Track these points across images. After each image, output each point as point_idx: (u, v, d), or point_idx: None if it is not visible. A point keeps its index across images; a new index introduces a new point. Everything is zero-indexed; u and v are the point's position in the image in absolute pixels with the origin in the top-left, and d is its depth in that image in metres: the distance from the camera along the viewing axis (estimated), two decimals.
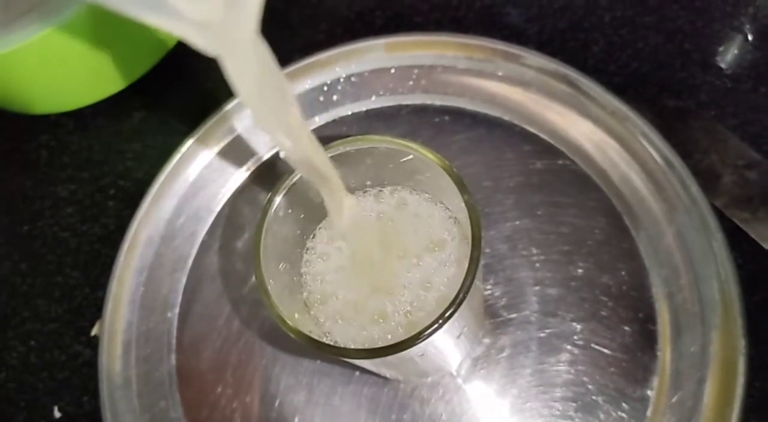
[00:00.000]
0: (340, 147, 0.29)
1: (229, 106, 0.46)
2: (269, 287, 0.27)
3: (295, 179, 0.29)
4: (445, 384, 0.40)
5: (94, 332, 0.44)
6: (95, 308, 0.45)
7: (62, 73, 0.46)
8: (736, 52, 0.45)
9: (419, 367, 0.35)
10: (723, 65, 0.45)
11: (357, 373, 0.41)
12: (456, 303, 0.25)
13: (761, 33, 0.45)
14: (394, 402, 0.40)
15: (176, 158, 0.45)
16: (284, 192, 0.28)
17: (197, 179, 0.45)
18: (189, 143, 0.45)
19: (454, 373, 0.40)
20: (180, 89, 0.50)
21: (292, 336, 0.27)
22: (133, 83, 0.49)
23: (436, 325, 0.24)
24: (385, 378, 0.41)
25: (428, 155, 0.28)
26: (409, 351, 0.25)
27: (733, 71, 0.45)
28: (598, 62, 0.46)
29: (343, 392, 0.41)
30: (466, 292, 0.25)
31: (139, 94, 0.50)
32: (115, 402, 0.41)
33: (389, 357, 0.26)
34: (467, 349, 0.39)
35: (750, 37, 0.45)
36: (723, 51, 0.46)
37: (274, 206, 0.28)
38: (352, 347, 0.25)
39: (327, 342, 0.26)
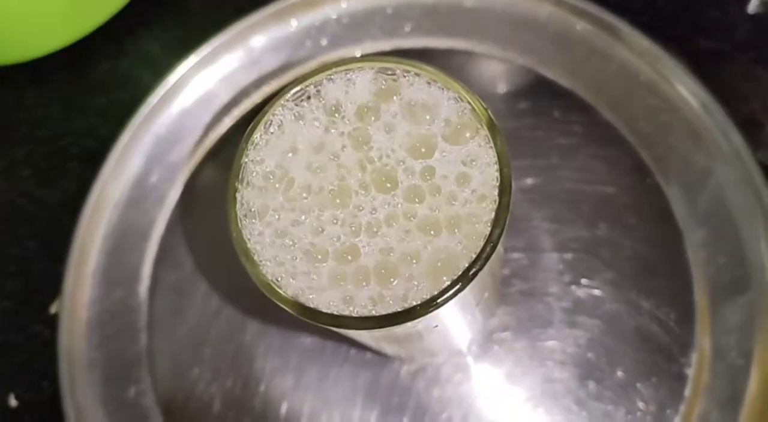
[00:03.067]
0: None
1: (203, 54, 0.40)
2: (249, 245, 0.22)
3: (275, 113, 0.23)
4: (453, 364, 0.36)
5: (53, 309, 0.39)
6: (55, 283, 0.39)
7: (13, 16, 0.40)
8: None
9: (426, 344, 0.30)
10: (759, 1, 0.40)
11: (352, 351, 0.36)
12: (483, 257, 0.20)
13: None
14: (396, 385, 0.35)
15: (144, 111, 0.40)
16: (263, 130, 0.23)
17: (168, 134, 0.40)
18: (159, 94, 0.40)
19: (465, 351, 0.35)
20: (148, 36, 0.45)
21: (282, 305, 0.22)
22: (95, 30, 0.43)
23: (458, 285, 0.19)
24: (384, 357, 0.36)
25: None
26: (422, 319, 0.20)
27: None
28: (620, 0, 0.41)
29: (338, 374, 0.36)
30: (495, 243, 0.20)
31: (102, 43, 0.44)
32: (76, 388, 0.36)
33: (396, 329, 0.21)
34: (482, 322, 0.34)
35: None
36: None
37: (254, 145, 0.23)
38: (352, 314, 0.20)
39: (324, 310, 0.21)
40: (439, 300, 0.20)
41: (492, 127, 0.22)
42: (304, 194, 0.23)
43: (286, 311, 0.22)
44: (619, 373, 0.35)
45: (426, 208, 0.22)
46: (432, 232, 0.21)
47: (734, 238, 0.35)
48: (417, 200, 0.22)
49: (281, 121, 0.24)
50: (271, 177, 0.23)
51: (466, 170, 0.22)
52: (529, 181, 0.38)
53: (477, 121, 0.22)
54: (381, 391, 0.35)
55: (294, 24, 0.41)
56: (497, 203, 0.21)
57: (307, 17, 0.41)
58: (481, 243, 0.20)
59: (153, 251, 0.39)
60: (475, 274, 0.20)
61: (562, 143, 0.39)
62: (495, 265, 0.25)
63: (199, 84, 0.41)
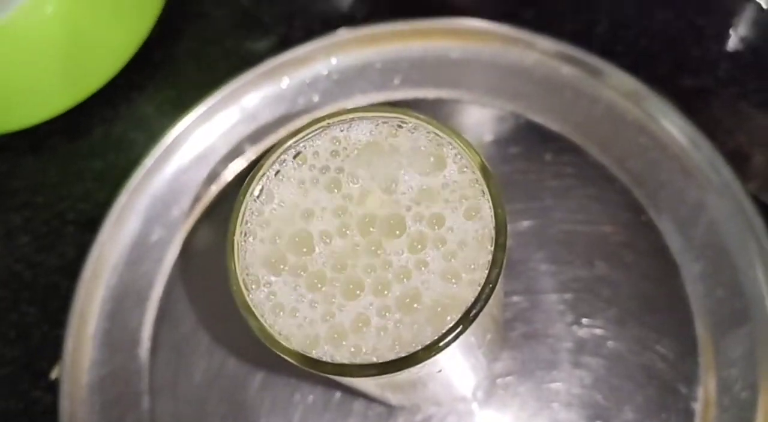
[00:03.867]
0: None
1: (197, 114, 0.41)
2: (249, 298, 0.22)
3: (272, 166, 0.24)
4: (459, 411, 0.35)
5: (54, 375, 0.39)
6: (55, 348, 0.39)
7: (11, 86, 0.41)
8: (751, 23, 0.41)
9: (431, 390, 0.30)
10: (739, 39, 0.41)
11: (356, 404, 0.36)
12: (483, 298, 0.20)
13: None
14: None
15: (140, 173, 0.40)
16: (261, 183, 0.23)
17: (164, 195, 0.40)
18: (154, 155, 0.40)
19: (470, 397, 0.35)
20: (142, 99, 0.45)
21: (285, 356, 0.21)
22: (90, 96, 0.44)
23: (460, 328, 0.19)
24: (389, 408, 0.35)
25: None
26: (425, 364, 0.20)
27: (751, 44, 0.41)
28: (604, 44, 0.42)
29: None
30: (494, 283, 0.20)
31: (97, 108, 0.45)
32: None
33: (399, 376, 0.21)
34: (486, 366, 0.33)
35: (765, 6, 0.41)
36: (737, 23, 0.42)
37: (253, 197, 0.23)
38: (354, 362, 0.20)
39: (326, 360, 0.21)
40: (441, 344, 0.20)
41: (485, 171, 0.22)
42: (305, 249, 0.23)
43: (289, 363, 0.22)
44: (627, 412, 0.34)
45: (424, 253, 0.22)
46: (431, 276, 0.22)
47: (731, 270, 0.35)
48: (418, 246, 0.22)
49: (278, 174, 0.24)
50: (270, 230, 0.23)
51: (462, 215, 0.22)
52: (525, 224, 0.38)
53: (470, 166, 0.23)
54: None
55: (286, 81, 0.42)
56: (494, 244, 0.21)
57: (298, 74, 0.42)
58: (480, 285, 0.21)
59: (153, 312, 0.39)
60: (475, 316, 0.20)
61: (555, 185, 0.39)
62: (496, 308, 0.25)
63: (194, 144, 0.41)
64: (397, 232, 0.23)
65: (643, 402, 0.34)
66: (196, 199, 0.40)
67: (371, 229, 0.22)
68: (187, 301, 0.39)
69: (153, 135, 0.41)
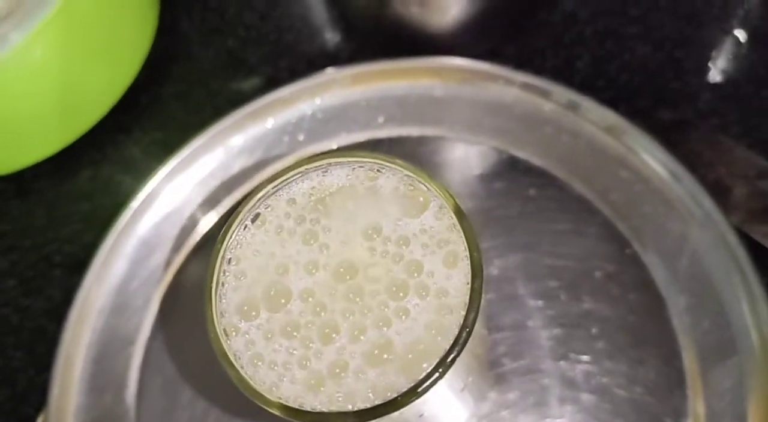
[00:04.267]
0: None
1: (182, 156, 0.41)
2: (226, 346, 0.22)
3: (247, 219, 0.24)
4: None
5: (40, 420, 0.38)
6: (41, 393, 0.39)
7: None
8: (730, 56, 0.42)
9: None
10: (718, 71, 0.42)
11: None
12: (461, 343, 0.20)
13: (755, 34, 0.42)
14: None
15: (126, 215, 0.40)
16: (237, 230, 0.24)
17: (151, 237, 0.40)
18: (140, 198, 0.40)
19: None
20: (129, 141, 0.46)
21: (264, 406, 0.21)
22: (77, 139, 0.44)
23: (438, 373, 0.19)
24: None
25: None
26: (404, 410, 0.20)
27: (731, 76, 0.42)
28: (584, 79, 0.43)
29: None
30: (471, 327, 0.20)
31: (84, 151, 0.45)
32: None
33: None
34: (473, 406, 0.33)
35: (743, 40, 0.42)
36: (716, 56, 0.42)
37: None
38: (332, 410, 0.20)
39: (307, 409, 0.21)
40: (419, 389, 0.20)
41: (459, 214, 0.22)
42: (283, 300, 0.23)
43: (270, 412, 0.22)
44: None
45: (402, 300, 0.22)
46: (409, 322, 0.22)
47: (716, 301, 0.35)
48: (399, 292, 0.22)
49: (255, 220, 0.24)
50: (246, 279, 0.23)
51: (438, 258, 0.23)
52: (510, 259, 0.38)
53: (447, 210, 0.23)
54: None
55: (271, 122, 0.42)
56: (470, 287, 0.21)
57: (283, 115, 0.42)
58: (457, 330, 0.21)
59: (139, 356, 0.38)
60: (453, 360, 0.20)
61: (539, 219, 0.39)
62: (477, 348, 0.25)
63: (180, 185, 0.41)
64: (376, 279, 0.23)
65: None
66: (182, 241, 0.40)
67: (347, 277, 0.22)
68: (172, 345, 0.39)
69: (140, 177, 0.41)
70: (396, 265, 0.23)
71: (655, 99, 0.42)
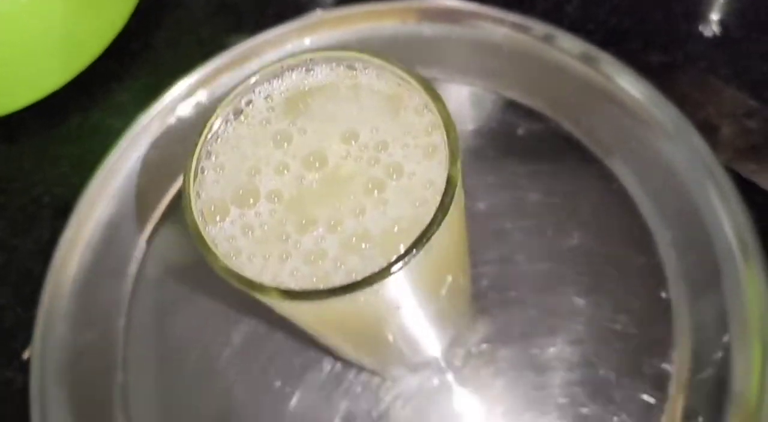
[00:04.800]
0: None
1: (171, 96, 0.41)
2: (204, 232, 0.22)
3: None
4: (434, 380, 0.35)
5: (26, 354, 0.38)
6: (28, 330, 0.39)
7: None
8: (720, 0, 0.42)
9: (398, 347, 0.30)
10: (709, 14, 0.42)
11: (328, 369, 0.35)
12: (436, 222, 0.19)
13: None
14: (375, 406, 0.35)
15: (115, 154, 0.40)
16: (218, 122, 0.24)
17: (139, 175, 0.40)
18: (128, 136, 0.41)
19: (443, 364, 0.35)
20: (119, 87, 0.46)
21: (237, 284, 0.21)
22: (67, 84, 0.44)
23: (413, 251, 0.19)
24: (364, 379, 0.35)
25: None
26: (381, 294, 0.20)
27: (721, 19, 0.42)
28: (574, 22, 0.43)
29: (317, 397, 0.35)
30: (447, 208, 0.20)
31: (74, 96, 0.45)
32: None
33: (363, 311, 0.21)
34: (454, 325, 0.33)
35: None
36: (706, 0, 0.42)
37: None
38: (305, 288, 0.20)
39: (289, 288, 0.20)
40: (393, 269, 0.20)
41: (432, 94, 0.22)
42: (252, 200, 0.23)
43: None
44: (602, 374, 0.34)
45: (379, 178, 0.22)
46: (385, 202, 0.22)
47: (702, 234, 0.35)
48: (372, 189, 0.22)
49: (237, 115, 0.24)
50: (224, 173, 0.23)
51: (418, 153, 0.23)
52: (498, 196, 0.38)
53: (428, 105, 0.23)
54: (361, 415, 0.35)
55: (257, 64, 0.42)
56: (447, 174, 0.21)
57: (271, 55, 0.42)
58: (434, 209, 0.20)
59: (128, 288, 0.39)
60: (428, 239, 0.20)
61: (527, 157, 0.39)
62: (460, 278, 0.25)
63: (169, 124, 0.41)
64: (355, 174, 0.23)
65: (618, 364, 0.34)
66: (171, 176, 0.40)
67: (318, 166, 0.23)
68: (162, 276, 0.39)
69: (129, 122, 0.41)
70: (373, 166, 0.23)
71: (645, 42, 0.42)
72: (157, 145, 0.41)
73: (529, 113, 0.40)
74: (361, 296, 0.20)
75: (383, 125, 0.23)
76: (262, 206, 0.22)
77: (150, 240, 0.39)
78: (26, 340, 0.39)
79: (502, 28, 0.40)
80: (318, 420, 0.35)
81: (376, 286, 0.20)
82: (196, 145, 0.23)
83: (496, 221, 0.38)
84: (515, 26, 0.40)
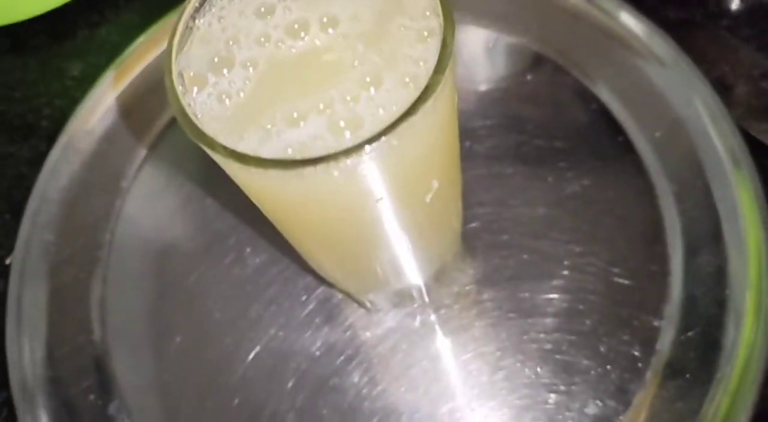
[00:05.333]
0: None
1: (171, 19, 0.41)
2: (182, 99, 0.21)
3: None
4: (415, 319, 0.34)
5: (9, 260, 0.38)
6: (15, 237, 0.38)
7: None
8: None
9: (380, 258, 0.29)
10: None
11: (312, 293, 0.35)
12: (423, 99, 0.19)
13: None
14: (355, 340, 0.34)
15: (115, 69, 0.40)
16: None
17: (140, 89, 0.40)
18: (130, 52, 0.40)
19: (426, 299, 0.34)
20: (129, 6, 0.45)
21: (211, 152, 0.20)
22: (74, 1, 0.44)
23: (407, 116, 0.18)
24: (345, 314, 0.34)
25: None
26: (357, 176, 0.19)
27: None
28: None
29: (297, 322, 0.34)
30: (440, 75, 0.19)
31: (83, 11, 0.45)
32: (21, 335, 0.34)
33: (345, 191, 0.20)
34: (441, 255, 0.32)
35: None
36: None
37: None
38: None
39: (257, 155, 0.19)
40: (369, 144, 0.19)
41: None
42: (245, 65, 0.22)
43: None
44: (588, 324, 0.33)
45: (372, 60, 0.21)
46: (377, 84, 0.21)
47: (706, 189, 0.34)
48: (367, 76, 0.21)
49: None
50: (208, 46, 0.23)
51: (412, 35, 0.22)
52: (500, 139, 0.38)
53: None
54: (338, 346, 0.34)
55: None
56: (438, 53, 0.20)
57: None
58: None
59: (117, 205, 0.38)
60: (412, 114, 0.19)
61: (533, 103, 0.38)
62: (445, 143, 0.24)
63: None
64: (347, 58, 0.22)
65: (607, 317, 0.33)
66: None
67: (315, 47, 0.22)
68: (153, 194, 0.38)
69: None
70: (364, 44, 0.22)
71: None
72: (159, 61, 0.40)
73: (539, 58, 0.39)
74: (336, 171, 0.19)
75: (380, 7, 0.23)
76: (237, 75, 0.22)
77: (145, 158, 0.39)
78: (11, 247, 0.38)
79: None
80: (295, 345, 0.34)
81: (350, 161, 0.19)
82: (179, 17, 0.23)
83: (495, 163, 0.37)
84: None
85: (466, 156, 0.37)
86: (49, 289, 0.36)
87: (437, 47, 0.21)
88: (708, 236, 0.33)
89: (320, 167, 0.19)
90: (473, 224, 0.36)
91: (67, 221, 0.37)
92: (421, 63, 0.21)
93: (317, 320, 0.34)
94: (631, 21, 0.37)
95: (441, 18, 0.21)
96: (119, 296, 0.36)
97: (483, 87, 0.39)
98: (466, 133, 0.38)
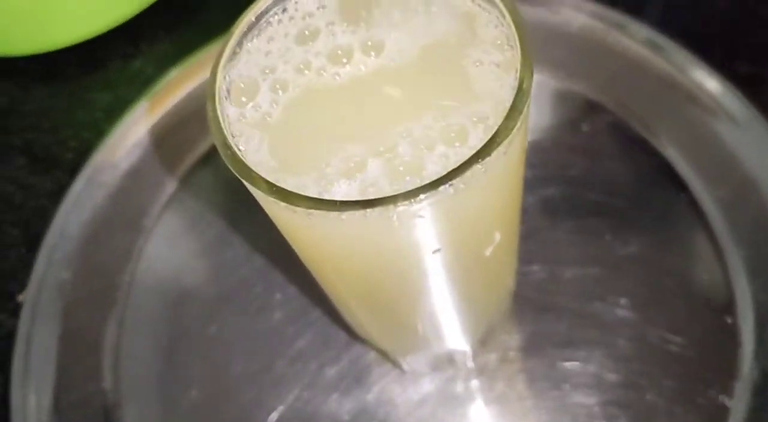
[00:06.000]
0: None
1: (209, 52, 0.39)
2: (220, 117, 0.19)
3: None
4: (455, 385, 0.31)
5: (21, 297, 0.36)
6: (29, 273, 0.36)
7: (32, 8, 0.39)
8: None
9: (423, 320, 0.26)
10: None
11: (345, 349, 0.32)
12: (501, 136, 0.16)
13: None
14: (390, 400, 0.31)
15: (144, 104, 0.38)
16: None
17: (169, 125, 0.38)
18: (162, 85, 0.38)
19: (468, 365, 0.31)
20: (165, 39, 0.44)
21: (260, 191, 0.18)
22: (112, 29, 0.42)
23: (475, 160, 0.16)
24: (379, 374, 0.31)
25: None
26: (423, 230, 0.17)
27: None
28: (657, 25, 0.39)
29: (327, 382, 0.31)
30: (505, 135, 0.16)
31: (117, 42, 0.43)
32: (28, 379, 0.32)
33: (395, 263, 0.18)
34: (489, 316, 0.29)
35: None
36: None
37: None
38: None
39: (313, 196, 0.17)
40: (426, 190, 0.16)
41: (515, 17, 0.19)
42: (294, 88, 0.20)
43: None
44: (648, 400, 0.30)
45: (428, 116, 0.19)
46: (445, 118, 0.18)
47: None
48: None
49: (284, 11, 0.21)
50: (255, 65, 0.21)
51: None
52: (553, 190, 0.35)
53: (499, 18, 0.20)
54: (370, 410, 0.31)
55: None
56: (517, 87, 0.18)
57: None
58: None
59: (139, 244, 0.36)
60: (466, 167, 0.16)
61: (588, 154, 0.36)
62: (512, 191, 0.21)
63: (202, 77, 0.39)
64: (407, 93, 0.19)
65: (667, 391, 0.30)
66: (201, 130, 0.38)
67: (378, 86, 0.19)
68: (179, 233, 0.36)
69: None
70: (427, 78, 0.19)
71: (732, 52, 0.38)
72: (190, 96, 0.38)
73: (597, 108, 0.36)
74: (394, 217, 0.16)
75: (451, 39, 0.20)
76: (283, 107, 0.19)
77: (171, 196, 0.37)
78: (25, 282, 0.36)
79: (580, 16, 0.37)
80: (322, 407, 0.31)
81: (410, 206, 0.16)
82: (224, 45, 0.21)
83: (547, 217, 0.34)
84: (592, 14, 0.37)
85: (525, 207, 0.35)
86: (61, 331, 0.33)
87: (512, 85, 0.18)
88: None
89: (377, 211, 0.16)
90: (523, 283, 0.33)
91: (85, 259, 0.35)
92: (493, 102, 0.19)
93: (347, 380, 0.31)
94: (700, 74, 0.35)
95: (518, 52, 0.18)
96: (134, 342, 0.33)
97: (536, 135, 0.36)
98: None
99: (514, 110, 0.17)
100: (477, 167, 0.16)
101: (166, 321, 0.34)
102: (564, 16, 0.37)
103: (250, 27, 0.21)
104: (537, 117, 0.37)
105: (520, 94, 0.17)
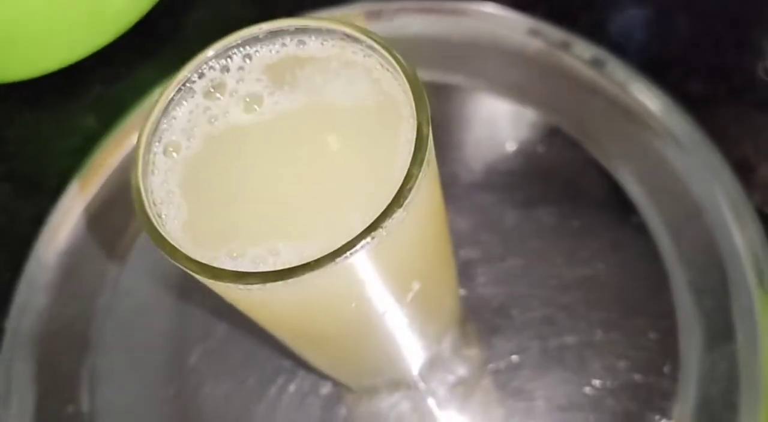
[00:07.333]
0: None
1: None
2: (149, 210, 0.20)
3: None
4: (406, 405, 0.33)
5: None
6: (11, 297, 0.38)
7: (14, 35, 0.41)
8: None
9: (367, 353, 0.27)
10: (757, 48, 0.39)
11: (300, 379, 0.33)
12: (402, 194, 0.17)
13: None
14: None
15: (122, 128, 0.39)
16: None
17: None
18: (136, 111, 0.40)
19: (421, 386, 0.33)
20: (144, 64, 0.45)
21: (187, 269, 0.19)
22: (92, 55, 0.44)
23: (370, 231, 0.17)
24: (333, 398, 0.33)
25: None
26: (335, 280, 0.18)
27: None
28: (613, 43, 0.40)
29: (284, 407, 0.33)
30: (412, 180, 0.17)
31: (98, 68, 0.45)
32: (8, 403, 0.34)
33: (315, 297, 0.19)
34: (431, 343, 0.31)
35: None
36: (758, 34, 0.39)
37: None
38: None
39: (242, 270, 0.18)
40: (348, 252, 0.17)
41: (413, 84, 0.20)
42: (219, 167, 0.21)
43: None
44: (593, 420, 0.31)
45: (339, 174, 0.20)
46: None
47: (721, 280, 0.32)
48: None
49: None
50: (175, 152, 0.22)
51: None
52: (507, 214, 0.36)
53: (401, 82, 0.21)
54: None
55: None
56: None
57: None
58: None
59: (115, 271, 0.37)
60: (375, 227, 0.17)
61: (544, 176, 0.37)
62: (450, 301, 0.23)
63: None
64: (321, 154, 0.21)
65: (613, 412, 0.31)
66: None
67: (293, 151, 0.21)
68: (154, 261, 0.37)
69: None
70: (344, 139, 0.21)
71: (688, 71, 0.39)
72: None
73: (553, 131, 0.37)
74: (300, 284, 0.18)
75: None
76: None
77: None
78: (7, 309, 0.38)
79: (535, 41, 0.38)
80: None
81: (311, 275, 0.18)
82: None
83: (499, 239, 0.36)
84: (543, 36, 0.38)
85: (471, 231, 0.36)
86: (40, 357, 0.35)
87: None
88: (723, 333, 0.31)
89: (276, 285, 0.18)
90: (474, 305, 0.34)
91: (64, 285, 0.37)
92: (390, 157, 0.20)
93: (304, 401, 0.33)
94: (647, 96, 0.36)
95: (411, 100, 0.19)
96: (111, 366, 0.35)
97: (491, 158, 0.38)
98: (472, 206, 0.36)
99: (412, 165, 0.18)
100: (380, 232, 0.18)
101: (139, 349, 0.36)
102: (518, 39, 0.38)
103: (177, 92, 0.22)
104: (493, 140, 0.38)
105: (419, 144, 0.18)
